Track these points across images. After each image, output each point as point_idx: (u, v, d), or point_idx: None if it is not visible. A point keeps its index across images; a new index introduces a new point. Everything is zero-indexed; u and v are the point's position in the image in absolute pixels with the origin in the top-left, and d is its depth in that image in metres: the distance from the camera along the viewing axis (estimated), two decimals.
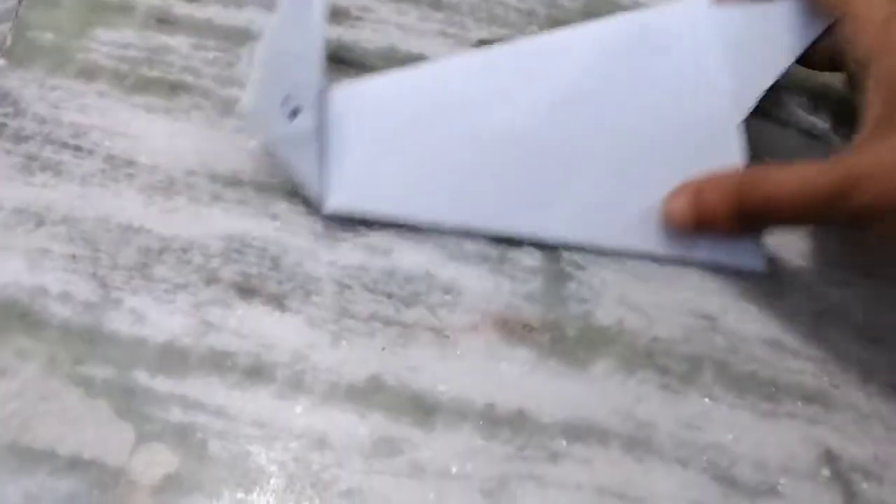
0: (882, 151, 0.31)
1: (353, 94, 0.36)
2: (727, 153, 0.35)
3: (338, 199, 0.35)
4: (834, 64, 0.37)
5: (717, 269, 0.36)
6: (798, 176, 0.31)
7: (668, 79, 0.36)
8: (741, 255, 0.36)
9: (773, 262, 0.37)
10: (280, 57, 0.34)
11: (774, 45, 0.36)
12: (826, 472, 0.33)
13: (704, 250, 0.36)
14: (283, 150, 0.34)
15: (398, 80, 0.37)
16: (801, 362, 0.35)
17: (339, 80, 0.37)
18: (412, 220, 0.35)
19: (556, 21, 0.43)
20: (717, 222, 0.33)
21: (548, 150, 0.36)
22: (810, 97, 0.42)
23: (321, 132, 0.34)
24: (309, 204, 0.35)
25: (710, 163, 0.34)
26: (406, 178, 0.35)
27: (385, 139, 0.36)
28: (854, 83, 0.34)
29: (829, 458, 0.33)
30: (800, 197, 0.31)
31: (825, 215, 0.32)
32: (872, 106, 0.32)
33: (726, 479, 0.32)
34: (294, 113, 0.34)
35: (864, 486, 0.33)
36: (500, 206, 0.36)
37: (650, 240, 0.36)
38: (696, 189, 0.34)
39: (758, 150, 0.37)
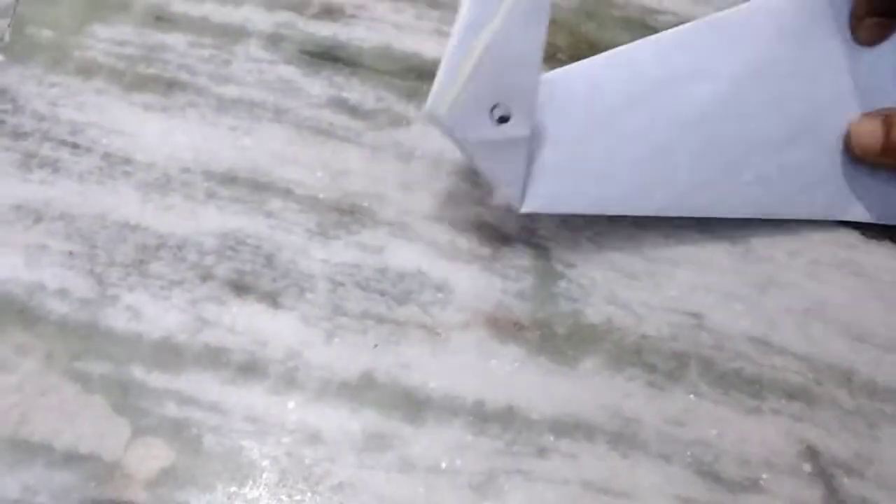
0: None
1: (545, 87, 0.34)
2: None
3: (537, 200, 0.35)
4: None
5: (706, 267, 0.37)
6: None
7: (832, 52, 0.38)
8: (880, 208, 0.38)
9: (761, 258, 0.38)
10: (497, 61, 0.31)
11: None
12: (808, 467, 0.34)
13: (865, 208, 0.38)
14: (485, 154, 0.33)
15: (588, 69, 0.36)
16: (785, 359, 0.36)
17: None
18: (609, 212, 0.36)
19: (551, 21, 0.43)
20: None
21: (732, 125, 0.37)
22: None
23: (528, 139, 0.34)
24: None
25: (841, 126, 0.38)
26: (603, 171, 0.36)
27: (581, 132, 0.36)
28: None
29: (811, 454, 0.34)
30: None
31: None
32: None
33: (710, 474, 0.33)
34: (503, 119, 0.32)
35: (846, 481, 0.33)
36: (688, 188, 0.37)
37: (817, 206, 0.38)
38: (886, 116, 0.36)
39: None
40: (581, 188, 0.35)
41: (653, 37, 0.37)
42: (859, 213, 0.38)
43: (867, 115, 0.37)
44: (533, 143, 0.34)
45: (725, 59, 0.37)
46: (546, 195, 0.35)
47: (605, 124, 0.36)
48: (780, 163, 0.37)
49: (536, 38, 0.32)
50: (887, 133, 0.36)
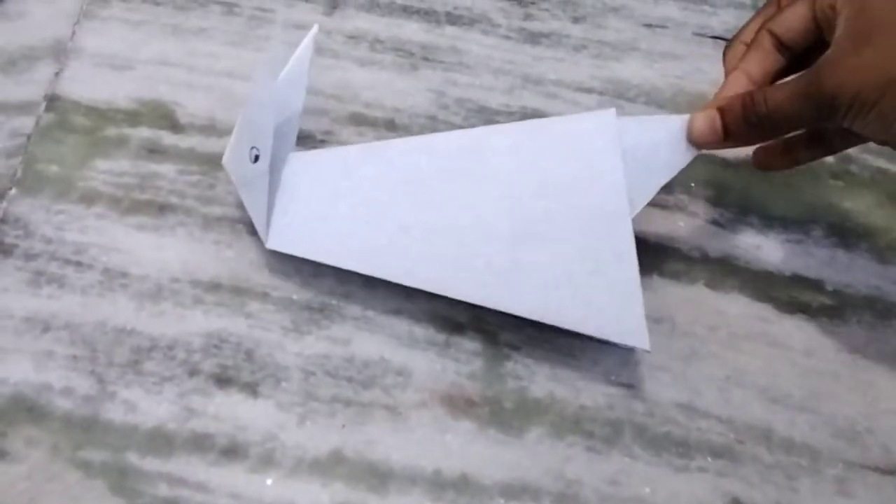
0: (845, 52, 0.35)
1: (308, 159, 0.43)
2: (619, 241, 0.39)
3: (280, 240, 0.41)
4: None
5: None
6: (787, 84, 0.37)
7: (573, 175, 0.41)
8: (629, 333, 0.38)
9: (684, 333, 0.42)
10: (250, 120, 0.40)
11: (666, 152, 0.41)
12: None
13: (594, 326, 0.38)
14: (245, 188, 0.41)
15: (348, 152, 0.43)
16: (710, 422, 0.40)
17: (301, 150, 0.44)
18: (347, 266, 0.40)
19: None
20: (737, 134, 0.39)
21: (467, 225, 0.40)
22: (715, 191, 0.48)
23: (273, 177, 0.41)
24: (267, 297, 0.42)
25: (604, 248, 0.39)
26: (345, 230, 0.41)
27: (329, 196, 0.42)
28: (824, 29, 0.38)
29: None
30: (789, 100, 0.36)
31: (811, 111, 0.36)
32: (838, 28, 0.36)
33: None
34: (256, 159, 0.40)
35: None
36: (422, 261, 0.40)
37: (550, 311, 0.39)
38: (720, 108, 0.39)
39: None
40: (323, 240, 0.41)
41: (416, 138, 0.43)
42: (590, 328, 0.39)
43: (700, 114, 0.39)
44: (289, 195, 0.41)
45: (460, 170, 0.41)
46: (290, 238, 0.41)
47: (351, 196, 0.41)
48: (512, 258, 0.39)
49: (267, 103, 0.40)
50: (724, 121, 0.38)
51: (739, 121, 0.38)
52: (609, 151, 0.40)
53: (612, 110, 0.41)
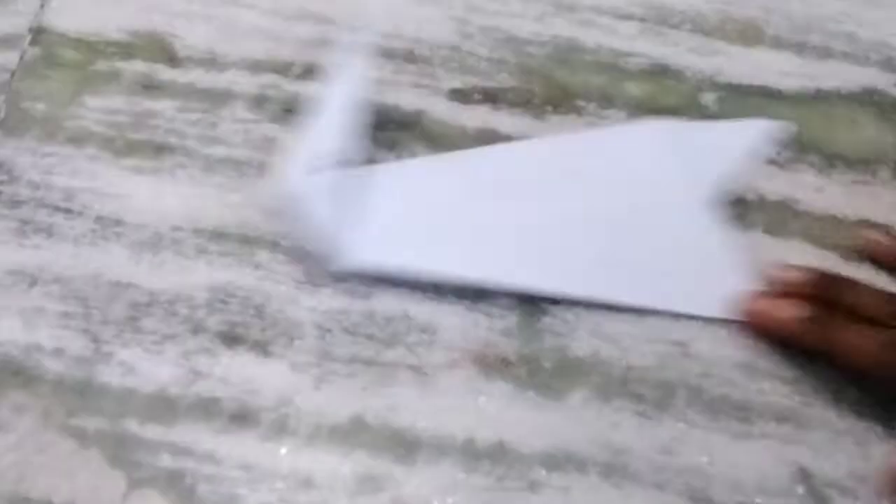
0: None
1: (383, 173, 0.40)
2: (705, 226, 0.40)
3: (349, 260, 0.37)
4: None
5: None
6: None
7: (650, 174, 0.41)
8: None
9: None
10: (317, 129, 0.38)
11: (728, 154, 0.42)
12: (801, 489, 0.34)
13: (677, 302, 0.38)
14: (302, 205, 0.37)
15: (425, 165, 0.41)
16: (772, 383, 0.36)
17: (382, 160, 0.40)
18: (432, 276, 0.37)
19: (525, 68, 0.45)
20: None
21: (556, 226, 0.39)
22: None
23: (341, 194, 0.37)
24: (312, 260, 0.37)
25: (694, 235, 0.40)
26: (425, 241, 0.38)
27: (405, 211, 0.39)
28: None
29: (804, 475, 0.34)
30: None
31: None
32: None
33: (703, 501, 0.33)
34: (316, 171, 0.37)
35: (840, 501, 0.33)
36: (518, 267, 0.38)
37: (635, 293, 0.38)
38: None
39: None
40: (402, 251, 0.37)
41: (493, 148, 0.42)
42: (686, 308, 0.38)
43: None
44: (358, 213, 0.38)
45: (543, 180, 0.41)
46: (360, 261, 0.37)
47: (429, 213, 0.39)
48: (610, 252, 0.39)
49: (347, 110, 0.38)
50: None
51: None
52: (674, 153, 0.42)
53: (667, 122, 0.43)
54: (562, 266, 0.38)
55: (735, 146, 0.43)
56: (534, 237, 0.39)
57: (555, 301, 0.37)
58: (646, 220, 0.40)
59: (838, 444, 0.35)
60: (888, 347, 0.34)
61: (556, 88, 0.44)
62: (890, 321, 0.35)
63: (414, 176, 0.40)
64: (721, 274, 0.38)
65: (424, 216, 0.39)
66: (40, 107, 0.41)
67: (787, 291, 0.37)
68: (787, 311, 0.36)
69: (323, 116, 0.38)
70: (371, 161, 0.40)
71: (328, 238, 0.37)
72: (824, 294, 0.36)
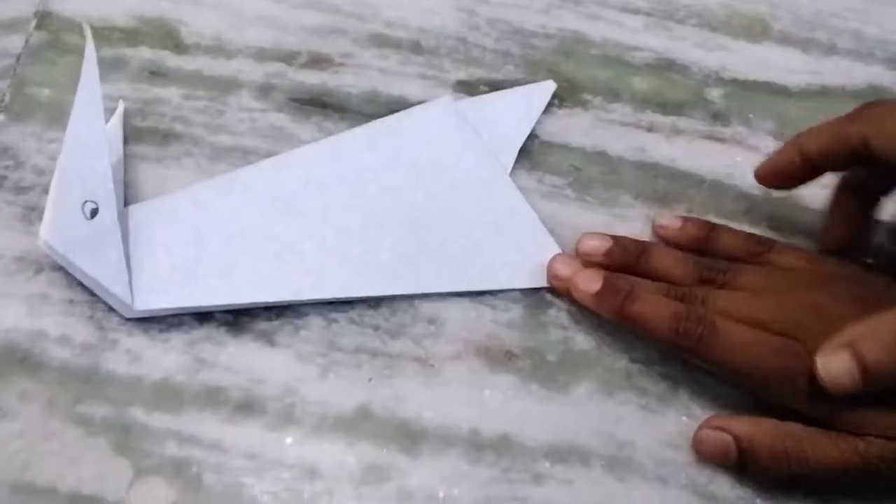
0: None
1: (153, 207, 0.37)
2: (509, 198, 0.40)
3: (149, 297, 0.34)
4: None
5: None
6: None
7: (438, 157, 0.41)
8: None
9: None
10: (73, 171, 0.35)
11: (512, 118, 0.42)
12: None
13: (524, 278, 0.38)
14: (86, 252, 0.34)
15: (197, 191, 0.38)
16: None
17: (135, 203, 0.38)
18: (235, 302, 0.35)
19: (530, 61, 0.45)
20: (885, 372, 0.31)
21: (355, 228, 0.38)
22: (776, 123, 0.44)
23: (122, 230, 0.34)
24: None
25: (498, 208, 0.39)
26: (221, 269, 0.36)
27: (192, 240, 0.36)
28: None
29: None
30: None
31: None
32: None
33: (706, 495, 0.33)
34: (93, 213, 0.34)
35: (841, 501, 0.34)
36: (322, 278, 0.36)
37: (474, 279, 0.38)
38: (851, 343, 0.31)
39: None
40: (200, 284, 0.35)
41: (262, 163, 0.39)
42: (521, 280, 0.38)
43: (830, 345, 0.32)
44: (142, 251, 0.35)
45: (318, 185, 0.39)
46: (162, 292, 0.35)
47: (217, 227, 0.37)
48: (415, 243, 0.38)
49: (98, 144, 0.35)
50: (859, 361, 0.31)
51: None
52: (461, 129, 0.41)
53: (448, 97, 0.43)
54: (369, 267, 0.37)
55: (514, 111, 0.43)
56: (331, 244, 0.37)
57: (559, 294, 0.37)
58: (444, 203, 0.39)
59: None
60: (682, 316, 0.33)
61: (561, 81, 0.44)
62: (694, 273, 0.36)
63: (192, 204, 0.37)
64: (530, 243, 0.38)
65: (214, 244, 0.36)
66: (45, 92, 0.41)
67: (587, 262, 0.37)
68: (582, 284, 0.35)
69: (76, 160, 0.35)
70: None
71: (124, 279, 0.34)
72: (621, 262, 0.36)
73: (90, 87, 0.35)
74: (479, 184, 0.40)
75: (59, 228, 0.34)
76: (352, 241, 0.37)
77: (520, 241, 0.38)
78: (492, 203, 0.39)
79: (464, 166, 0.40)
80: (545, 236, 0.39)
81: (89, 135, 0.35)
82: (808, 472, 0.32)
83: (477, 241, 0.38)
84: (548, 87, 0.44)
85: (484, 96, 0.43)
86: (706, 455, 0.34)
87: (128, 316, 0.35)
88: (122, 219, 0.35)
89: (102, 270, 0.34)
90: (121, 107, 0.40)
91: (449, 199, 0.39)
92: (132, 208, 0.37)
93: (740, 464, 0.33)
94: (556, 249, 0.38)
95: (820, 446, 0.32)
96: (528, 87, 0.44)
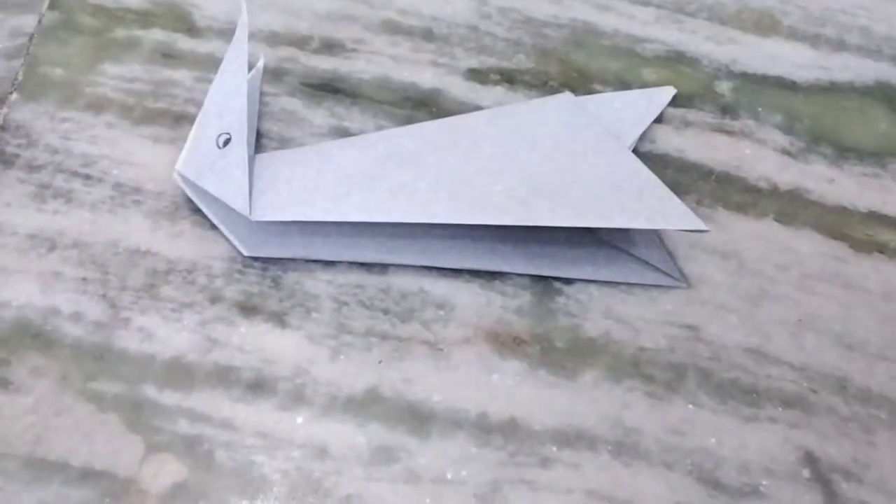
0: None
1: (275, 155, 0.39)
2: (627, 164, 0.39)
3: (265, 212, 0.36)
4: None
5: (700, 281, 0.38)
6: None
7: (559, 136, 0.40)
8: (679, 218, 0.37)
9: (753, 271, 0.39)
10: (213, 111, 0.38)
11: (629, 116, 0.43)
12: (807, 473, 0.34)
13: (644, 219, 0.37)
14: (213, 175, 0.36)
15: (312, 147, 0.39)
16: (781, 369, 0.36)
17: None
18: (340, 218, 0.36)
19: (541, 50, 0.45)
20: None
21: (474, 190, 0.38)
22: (784, 117, 0.44)
23: (249, 165, 0.36)
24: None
25: (616, 172, 0.39)
26: (325, 196, 0.37)
27: (305, 176, 0.37)
28: None
29: (810, 459, 0.35)
30: None
31: None
32: None
33: (711, 482, 0.34)
34: (225, 143, 0.36)
35: (844, 486, 0.34)
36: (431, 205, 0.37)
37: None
38: None
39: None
40: (309, 202, 0.36)
41: (388, 132, 0.40)
42: (640, 221, 0.37)
43: None
44: (266, 179, 0.37)
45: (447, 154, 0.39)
46: (279, 207, 0.36)
47: (337, 178, 0.38)
48: (533, 202, 0.38)
49: (239, 86, 0.37)
50: None
51: None
52: (579, 114, 0.41)
53: (569, 93, 0.43)
54: (480, 200, 0.37)
55: (632, 110, 0.43)
56: (443, 185, 0.37)
57: (568, 281, 0.38)
58: (561, 164, 0.39)
59: (844, 429, 0.35)
60: None
61: (572, 71, 0.45)
62: None
63: (315, 153, 0.39)
64: (649, 196, 0.38)
65: (331, 180, 0.37)
66: (58, 72, 0.41)
67: None
68: None
69: (219, 100, 0.38)
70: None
71: (243, 194, 0.36)
72: None
73: (240, 44, 0.38)
74: (595, 153, 0.40)
75: (192, 160, 0.37)
76: (464, 183, 0.38)
77: (637, 192, 0.38)
78: (609, 168, 0.39)
79: (582, 139, 0.40)
80: (667, 193, 0.38)
81: (232, 81, 0.37)
82: None
83: (593, 191, 0.38)
84: (667, 92, 0.44)
85: (604, 94, 0.44)
86: None
87: (245, 253, 0.36)
88: (251, 160, 0.37)
89: (226, 188, 0.36)
90: (261, 61, 0.42)
91: (566, 164, 0.39)
92: (260, 156, 0.38)
93: None
94: (678, 202, 0.38)
95: None
96: (648, 90, 0.44)
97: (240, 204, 0.35)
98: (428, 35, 0.45)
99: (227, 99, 0.37)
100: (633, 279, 0.38)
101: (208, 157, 0.36)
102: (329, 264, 0.37)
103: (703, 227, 0.37)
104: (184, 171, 0.37)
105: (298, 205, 0.36)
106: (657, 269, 0.38)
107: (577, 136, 0.40)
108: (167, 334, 0.35)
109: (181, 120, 0.40)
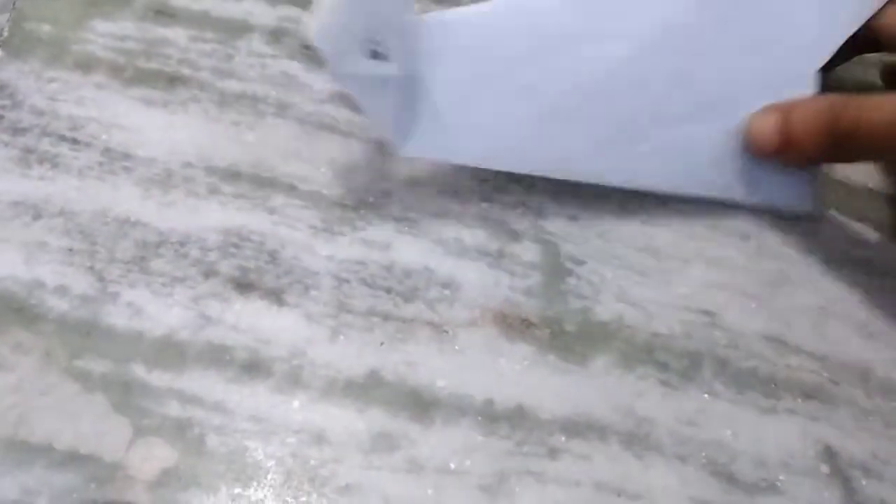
0: None
1: (438, 27, 0.34)
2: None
3: (418, 145, 0.34)
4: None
5: (718, 264, 0.36)
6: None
7: (753, 24, 0.37)
8: (793, 196, 0.37)
9: (773, 255, 0.37)
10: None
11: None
12: (825, 468, 0.33)
13: (761, 192, 0.37)
14: (358, 89, 0.32)
15: (486, 13, 0.35)
16: (800, 358, 0.35)
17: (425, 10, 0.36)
18: (494, 166, 0.35)
19: None
20: (804, 145, 0.33)
21: (635, 92, 0.36)
22: None
23: (404, 79, 0.33)
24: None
25: None
26: (492, 124, 0.35)
27: (472, 81, 0.35)
28: None
29: (829, 454, 0.33)
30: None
31: None
32: None
33: (725, 476, 0.32)
34: (375, 55, 0.32)
35: (864, 482, 0.33)
36: (581, 151, 0.36)
37: (714, 184, 0.37)
38: (785, 110, 0.34)
39: None
40: (467, 139, 0.34)
41: None
42: (759, 197, 0.37)
43: (766, 108, 0.35)
44: (417, 86, 0.33)
45: (635, 21, 0.36)
46: (428, 142, 0.34)
47: (499, 75, 0.35)
48: (681, 137, 0.36)
49: None
50: (783, 130, 0.34)
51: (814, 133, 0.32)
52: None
53: None
54: (639, 154, 0.36)
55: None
56: (609, 116, 0.35)
57: (580, 261, 0.36)
58: (731, 91, 0.36)
59: (865, 423, 0.34)
60: None
61: None
62: None
63: (472, 33, 0.35)
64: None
65: (488, 86, 0.35)
66: (46, 28, 0.39)
67: None
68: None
69: None
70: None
71: (388, 126, 0.33)
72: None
73: None
74: (779, 75, 0.36)
75: (338, 49, 0.31)
76: (624, 119, 0.36)
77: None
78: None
79: (775, 47, 0.36)
80: None
81: None
82: (855, 132, 0.31)
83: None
84: None
85: None
86: (752, 136, 0.34)
87: (401, 154, 0.34)
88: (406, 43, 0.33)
89: (373, 112, 0.33)
90: None
91: (739, 89, 0.36)
92: (417, 26, 0.34)
93: (782, 140, 0.33)
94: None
95: (871, 101, 0.31)
96: None
97: (387, 135, 0.33)
98: (439, 0, 0.43)
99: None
100: (766, 199, 0.37)
101: (355, 59, 0.31)
102: (330, 239, 0.35)
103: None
104: (322, 51, 0.31)
105: (450, 140, 0.34)
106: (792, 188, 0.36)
107: (776, 46, 0.37)
108: (157, 310, 0.33)
109: (175, 81, 0.38)
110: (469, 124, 0.35)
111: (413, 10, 0.33)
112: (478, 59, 0.35)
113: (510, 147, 0.35)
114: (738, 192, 0.37)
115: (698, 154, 0.36)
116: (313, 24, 0.31)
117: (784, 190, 0.37)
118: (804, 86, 0.36)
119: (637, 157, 0.36)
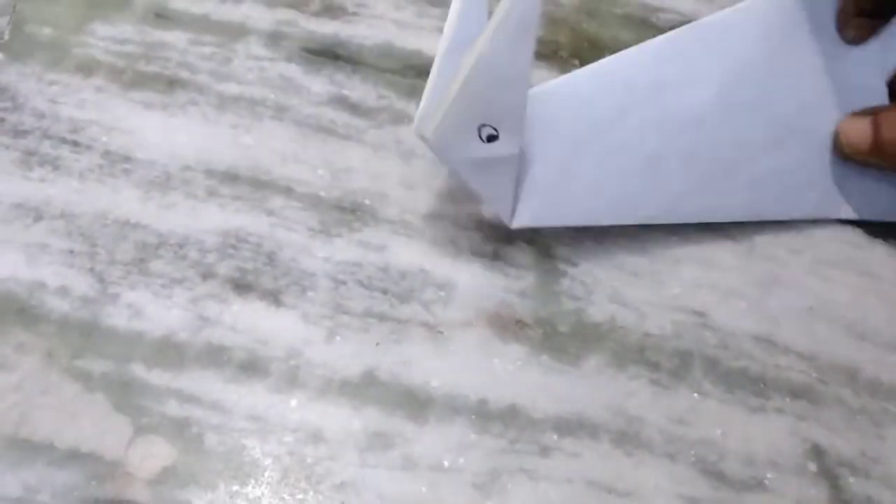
0: None
1: (532, 102, 0.34)
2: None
3: (526, 214, 0.35)
4: None
5: (709, 265, 0.37)
6: None
7: (819, 45, 0.38)
8: (888, 205, 0.38)
9: (764, 256, 0.37)
10: (484, 81, 0.31)
11: None
12: (813, 467, 0.33)
13: (857, 206, 0.38)
14: (473, 171, 0.33)
15: (573, 82, 0.36)
16: (789, 358, 0.35)
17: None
18: (600, 223, 0.36)
19: (552, 19, 0.43)
20: (893, 148, 0.36)
21: (722, 129, 0.37)
22: None
23: (519, 156, 0.34)
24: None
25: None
26: (593, 183, 0.36)
27: (569, 146, 0.36)
28: None
29: (817, 453, 0.34)
30: None
31: None
32: None
33: (714, 474, 0.33)
34: (491, 139, 0.32)
35: (851, 480, 0.33)
36: (683, 194, 0.37)
37: (808, 206, 0.38)
38: (875, 114, 0.36)
39: None
40: (571, 201, 0.35)
41: (637, 46, 0.37)
42: (850, 211, 0.38)
43: (855, 114, 0.37)
44: (521, 159, 0.34)
45: (712, 64, 0.37)
46: (536, 210, 0.35)
47: (594, 136, 0.36)
48: (770, 165, 0.37)
49: (524, 57, 0.32)
50: (875, 131, 0.36)
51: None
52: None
53: None
54: (735, 188, 0.37)
55: None
56: (703, 156, 0.37)
57: (574, 262, 0.37)
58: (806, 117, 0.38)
59: (852, 422, 0.34)
60: None
61: (583, 41, 0.43)
62: None
63: (566, 101, 0.36)
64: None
65: (586, 157, 0.35)
66: (46, 31, 0.39)
67: None
68: None
69: (492, 72, 0.31)
70: None
71: (506, 200, 0.34)
72: None
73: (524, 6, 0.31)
74: (851, 92, 0.38)
75: (446, 136, 0.31)
76: (717, 157, 0.37)
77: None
78: None
79: (843, 65, 0.38)
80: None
81: (512, 63, 0.31)
82: None
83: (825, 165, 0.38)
84: None
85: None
86: (846, 140, 0.37)
87: (513, 225, 0.35)
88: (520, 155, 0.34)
89: (489, 191, 0.34)
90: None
91: (815, 113, 0.38)
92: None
93: (874, 141, 0.36)
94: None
95: None
96: None
97: (502, 209, 0.34)
98: (433, 0, 0.43)
99: (502, 86, 0.31)
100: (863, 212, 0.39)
101: (464, 143, 0.32)
102: (327, 240, 0.36)
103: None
104: (430, 143, 0.31)
105: (558, 206, 0.35)
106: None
107: (843, 63, 0.38)
108: (157, 311, 0.33)
109: (174, 84, 0.39)
110: (573, 187, 0.35)
111: (525, 92, 0.33)
112: (572, 125, 0.36)
113: (616, 201, 0.36)
114: (834, 209, 0.38)
115: (790, 178, 0.38)
116: (428, 123, 0.31)
117: (878, 200, 0.38)
118: (877, 97, 0.38)
119: (735, 191, 0.37)
